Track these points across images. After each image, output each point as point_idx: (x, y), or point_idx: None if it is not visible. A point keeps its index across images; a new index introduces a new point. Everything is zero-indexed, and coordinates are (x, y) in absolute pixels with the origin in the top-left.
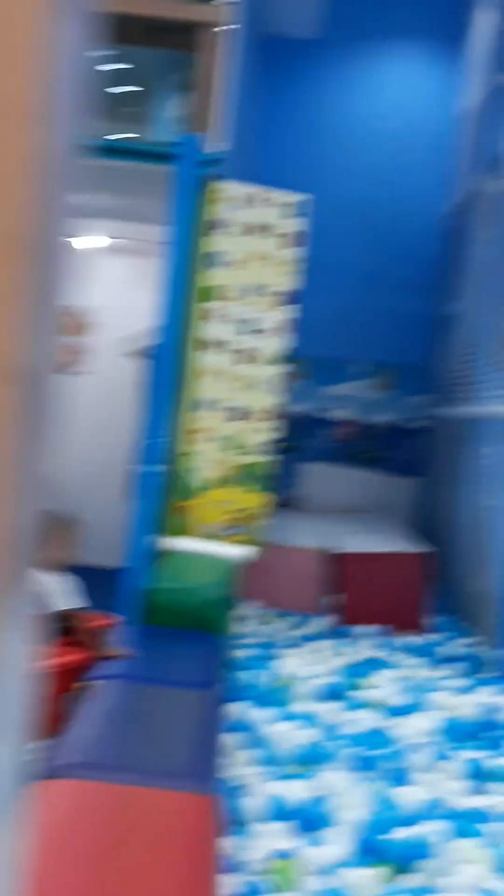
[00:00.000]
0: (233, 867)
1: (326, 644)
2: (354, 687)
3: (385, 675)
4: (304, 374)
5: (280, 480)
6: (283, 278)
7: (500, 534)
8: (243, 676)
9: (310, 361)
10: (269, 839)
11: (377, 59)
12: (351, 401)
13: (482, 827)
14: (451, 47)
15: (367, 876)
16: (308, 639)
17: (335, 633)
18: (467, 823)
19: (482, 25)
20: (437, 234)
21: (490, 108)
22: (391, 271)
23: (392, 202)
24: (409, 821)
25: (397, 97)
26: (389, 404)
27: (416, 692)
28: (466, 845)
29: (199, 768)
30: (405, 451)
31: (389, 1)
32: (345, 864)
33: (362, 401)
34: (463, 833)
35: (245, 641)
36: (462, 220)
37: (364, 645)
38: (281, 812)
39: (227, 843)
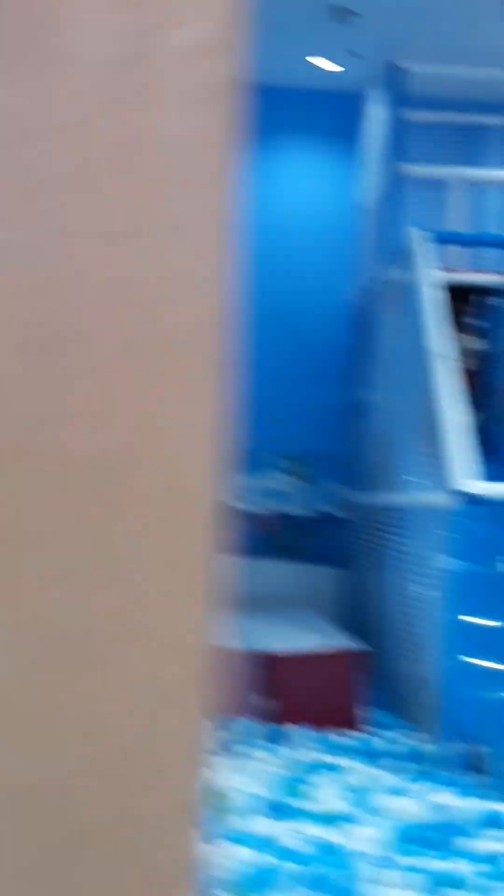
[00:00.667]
0: None
1: (258, 751)
2: (295, 796)
3: (327, 780)
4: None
5: None
6: None
7: (431, 624)
8: None
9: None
10: None
11: (274, 152)
12: (268, 493)
13: None
14: (347, 138)
15: None
16: (234, 743)
17: (267, 737)
18: None
19: (375, 117)
20: (345, 321)
21: (388, 199)
22: (301, 361)
23: (298, 292)
24: None
25: (296, 188)
26: (308, 494)
27: (361, 797)
28: None
29: None
30: (328, 541)
31: (282, 95)
32: None
33: (280, 492)
34: None
35: None
36: (369, 308)
37: (301, 749)
38: None
39: None
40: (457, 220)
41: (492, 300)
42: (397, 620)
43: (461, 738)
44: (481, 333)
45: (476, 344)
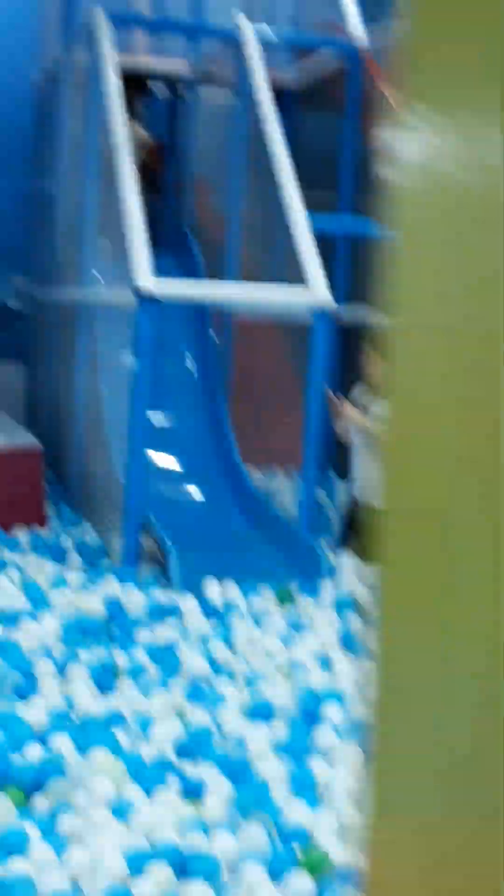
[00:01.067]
0: None
1: None
2: None
3: (2, 576)
4: None
5: None
6: None
7: (112, 422)
8: None
9: None
10: None
11: None
12: None
13: (115, 732)
14: None
15: None
16: None
17: None
18: (99, 732)
19: None
20: (27, 105)
21: None
22: None
23: None
24: (37, 737)
25: None
26: None
27: (35, 593)
28: (96, 758)
29: None
30: (11, 337)
31: None
32: None
33: None
34: (95, 742)
35: None
36: (52, 92)
37: None
38: None
39: None
40: (141, 2)
41: (168, 88)
42: (79, 419)
43: (141, 533)
44: (155, 124)
45: (149, 135)
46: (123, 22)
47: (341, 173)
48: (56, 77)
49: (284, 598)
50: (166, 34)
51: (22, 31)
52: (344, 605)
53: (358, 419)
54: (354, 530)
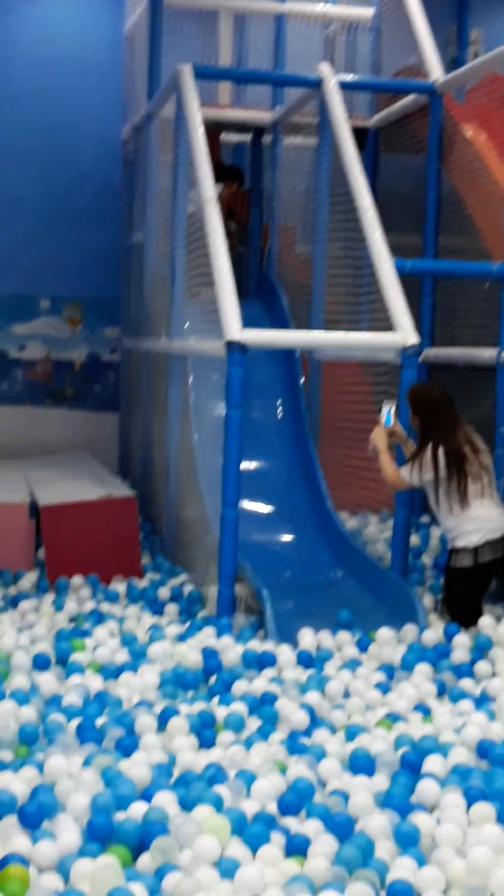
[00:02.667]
0: None
1: (35, 603)
2: (71, 650)
3: (100, 630)
4: None
5: None
6: None
7: (204, 470)
8: None
9: None
10: None
11: None
12: (39, 339)
13: (217, 789)
14: None
15: (99, 866)
16: (16, 599)
17: (44, 590)
18: (201, 788)
19: None
20: (116, 160)
21: (154, 30)
22: (71, 201)
23: (66, 128)
24: (140, 795)
25: (59, 19)
26: (80, 339)
27: (134, 646)
28: (200, 814)
29: None
30: (102, 387)
31: None
32: (75, 855)
33: (51, 338)
34: (198, 799)
35: None
36: (139, 145)
37: (74, 599)
38: (1, 808)
39: None
40: (225, 55)
41: (252, 137)
42: (176, 466)
43: (234, 582)
44: (237, 173)
45: (235, 185)
46: (208, 75)
47: (426, 213)
48: (143, 131)
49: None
50: (250, 84)
51: (110, 90)
52: (441, 653)
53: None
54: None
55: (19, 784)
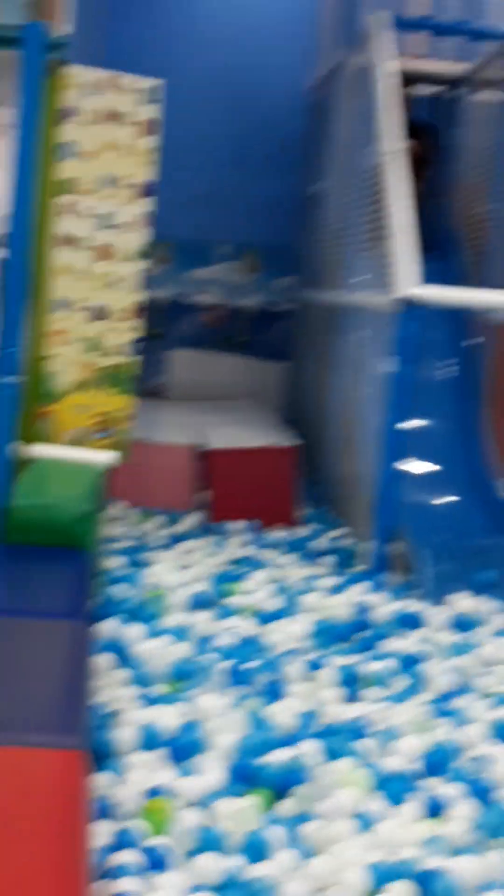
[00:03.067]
0: (102, 811)
1: (196, 544)
2: (227, 593)
3: (257, 576)
4: (168, 259)
5: (145, 369)
6: (139, 169)
7: (368, 424)
8: (112, 590)
9: (173, 245)
10: (140, 773)
11: None
12: (217, 284)
13: (358, 744)
14: None
15: (241, 806)
16: (178, 539)
17: (205, 532)
18: (342, 742)
19: None
20: (301, 109)
21: None
22: (255, 150)
23: (253, 77)
24: (283, 742)
25: None
26: (256, 287)
27: (288, 594)
28: (342, 766)
29: (66, 719)
30: (273, 336)
31: None
32: (219, 794)
33: (228, 284)
34: (338, 753)
35: (113, 547)
36: (326, 96)
37: (234, 543)
38: (152, 741)
39: (96, 783)
40: (418, 5)
41: (443, 90)
42: (335, 419)
43: (391, 539)
44: (432, 127)
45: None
46: (405, 25)
47: None
48: (332, 81)
49: None
50: (447, 36)
51: (302, 37)
52: None
53: None
54: None
55: (170, 718)
